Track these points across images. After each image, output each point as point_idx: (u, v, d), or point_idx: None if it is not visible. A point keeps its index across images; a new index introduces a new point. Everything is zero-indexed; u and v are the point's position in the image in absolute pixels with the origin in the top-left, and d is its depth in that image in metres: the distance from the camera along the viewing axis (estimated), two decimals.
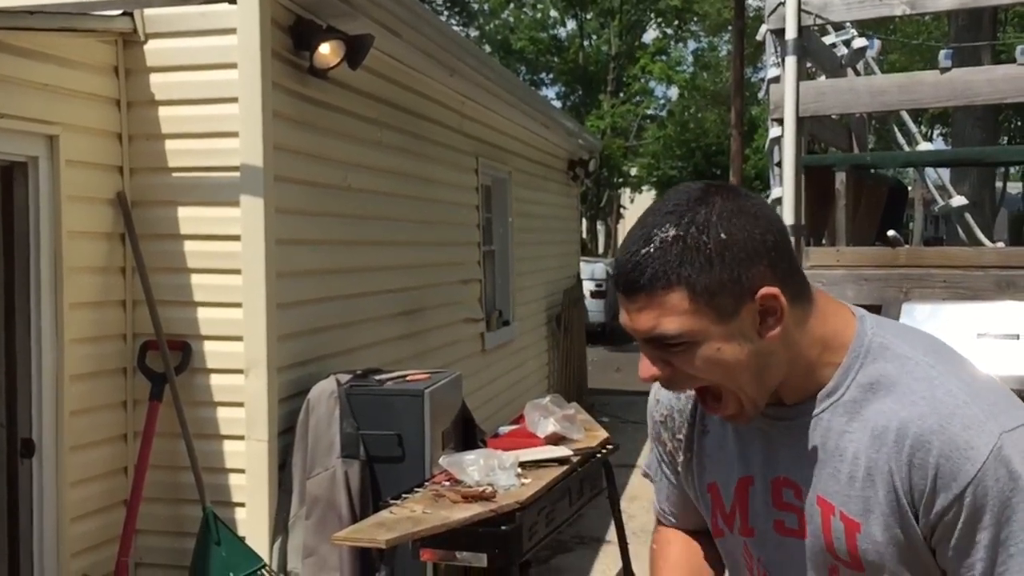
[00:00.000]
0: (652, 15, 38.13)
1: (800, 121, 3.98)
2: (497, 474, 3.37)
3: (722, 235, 1.04)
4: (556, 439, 3.92)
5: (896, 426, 1.09)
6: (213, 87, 3.95)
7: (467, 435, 4.50)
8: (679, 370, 1.10)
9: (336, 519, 3.79)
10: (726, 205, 1.06)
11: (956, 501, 1.05)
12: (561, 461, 3.71)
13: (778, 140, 4.24)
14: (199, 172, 4.00)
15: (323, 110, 4.50)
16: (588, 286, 15.43)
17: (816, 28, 4.53)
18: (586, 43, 39.24)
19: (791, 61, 3.93)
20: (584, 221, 32.55)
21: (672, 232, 1.06)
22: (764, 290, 1.05)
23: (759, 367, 1.08)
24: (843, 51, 5.54)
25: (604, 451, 4.06)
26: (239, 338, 3.92)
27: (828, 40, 5.51)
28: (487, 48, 32.46)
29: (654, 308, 1.06)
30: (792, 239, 1.35)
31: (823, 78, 4.99)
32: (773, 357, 1.09)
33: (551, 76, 39.46)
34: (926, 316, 3.33)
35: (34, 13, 3.50)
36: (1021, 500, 1.04)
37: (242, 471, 3.95)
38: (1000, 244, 6.02)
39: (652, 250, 1.06)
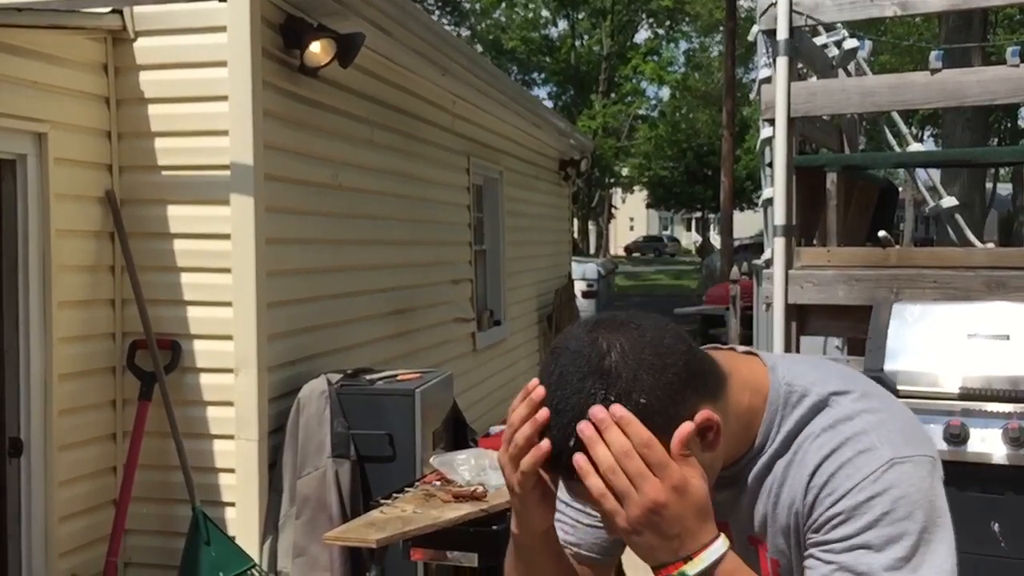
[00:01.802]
0: (644, 15, 38.21)
1: (791, 122, 3.98)
2: (488, 474, 3.37)
3: (642, 400, 1.00)
4: None
5: (811, 469, 1.10)
6: (203, 85, 3.94)
7: (458, 435, 4.50)
8: None
9: (326, 519, 3.78)
10: (627, 360, 1.01)
11: (827, 510, 1.06)
12: None
13: (769, 141, 4.24)
14: (189, 170, 3.98)
15: (314, 109, 4.49)
16: (579, 286, 15.44)
17: (807, 29, 4.54)
18: (578, 43, 39.29)
19: (782, 62, 3.93)
20: (575, 221, 32.57)
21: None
22: (697, 419, 1.03)
23: (709, 469, 1.07)
24: (834, 52, 5.55)
25: None
26: (229, 337, 3.91)
27: (819, 41, 5.52)
28: (479, 47, 32.43)
29: None
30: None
31: (814, 79, 4.99)
32: (718, 458, 1.10)
33: (543, 76, 39.50)
34: (916, 316, 3.33)
35: (22, 10, 3.48)
36: (870, 514, 1.04)
37: (232, 471, 3.94)
38: (990, 244, 6.04)
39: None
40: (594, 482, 0.99)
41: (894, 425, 1.10)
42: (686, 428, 1.01)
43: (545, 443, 1.02)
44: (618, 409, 0.99)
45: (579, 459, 0.99)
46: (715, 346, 1.22)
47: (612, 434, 0.99)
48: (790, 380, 1.14)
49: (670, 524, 0.99)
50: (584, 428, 0.99)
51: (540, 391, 1.03)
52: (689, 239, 64.91)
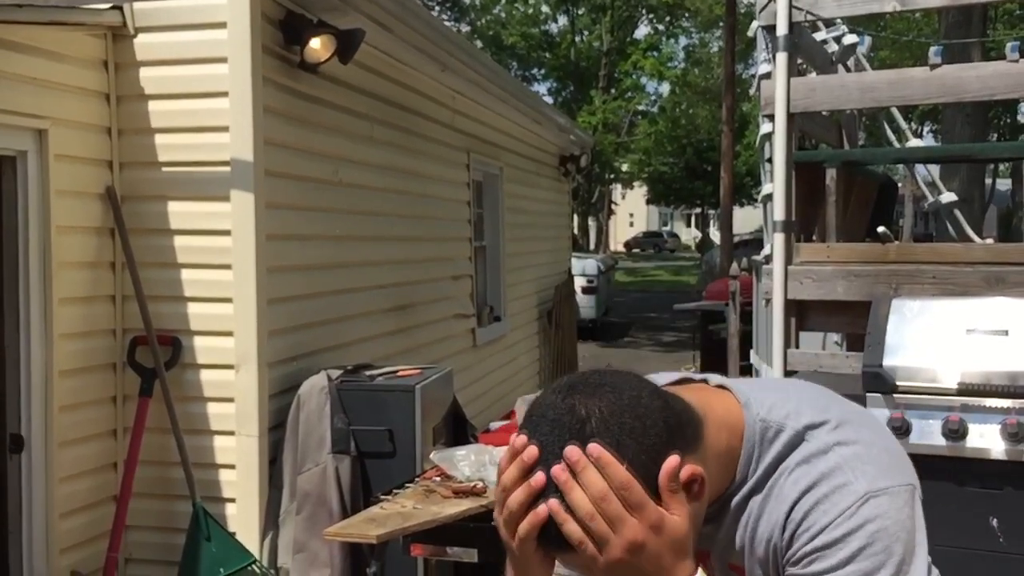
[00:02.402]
0: (643, 11, 38.15)
1: (791, 117, 3.98)
2: (488, 469, 3.37)
3: (625, 466, 0.98)
4: None
5: (789, 505, 1.11)
6: (203, 81, 3.94)
7: (458, 430, 4.50)
8: None
9: (327, 514, 3.79)
10: (608, 427, 0.99)
11: (804, 545, 1.07)
12: None
13: (769, 136, 4.24)
14: (189, 167, 3.99)
15: (314, 105, 4.49)
16: (579, 282, 15.44)
17: (807, 24, 4.54)
18: (578, 39, 39.24)
19: (782, 57, 3.93)
20: (575, 217, 32.57)
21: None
22: (683, 476, 1.02)
23: (696, 517, 1.07)
24: (834, 48, 5.55)
25: None
26: (229, 333, 3.91)
27: (819, 36, 5.52)
28: (479, 43, 32.40)
29: None
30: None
31: (814, 74, 4.99)
32: (704, 504, 1.10)
33: (543, 72, 39.46)
34: (915, 312, 3.34)
35: (23, 6, 3.48)
36: (847, 549, 1.05)
37: (232, 466, 3.95)
38: (989, 240, 6.04)
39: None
40: (572, 528, 0.97)
41: (869, 456, 1.11)
42: (672, 462, 1.00)
43: (543, 509, 0.98)
44: (595, 449, 0.97)
45: (554, 505, 0.97)
46: (687, 377, 1.22)
47: (589, 476, 0.97)
48: (764, 416, 1.14)
49: (647, 561, 0.98)
50: (558, 473, 0.97)
51: (532, 451, 0.99)
52: (689, 235, 64.89)
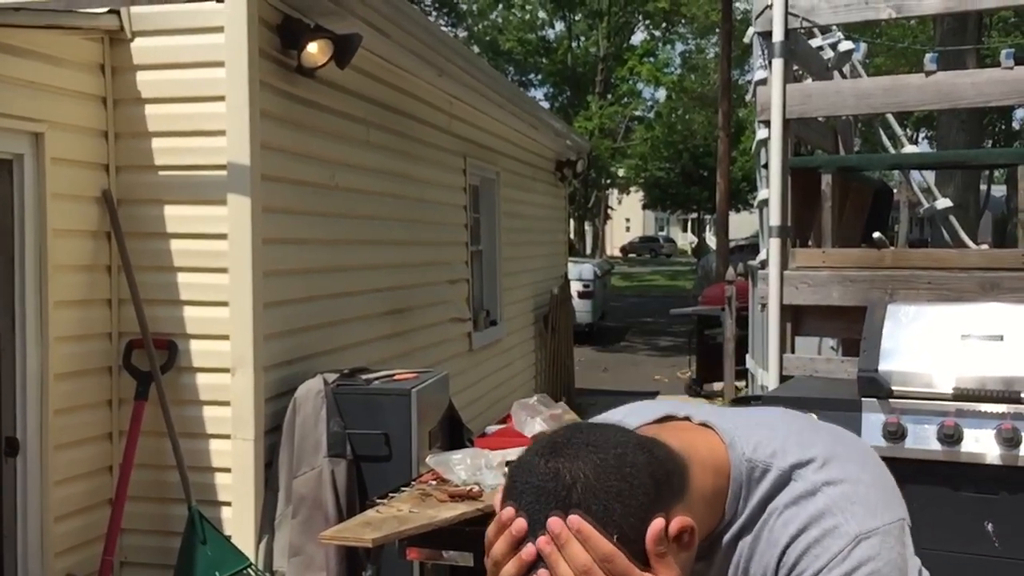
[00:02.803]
0: (640, 17, 38.20)
1: (787, 123, 4.00)
2: (484, 473, 3.37)
3: (615, 534, 0.98)
4: None
5: (781, 548, 1.11)
6: (200, 85, 3.94)
7: (454, 434, 4.50)
8: None
9: (322, 518, 3.79)
10: (594, 492, 0.98)
11: None
12: None
13: (765, 142, 4.26)
14: (186, 170, 3.99)
15: (311, 109, 4.49)
16: (575, 286, 15.46)
17: (803, 31, 4.56)
18: (574, 44, 39.31)
19: (778, 64, 3.95)
20: (572, 222, 32.59)
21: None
22: (672, 529, 1.02)
23: (687, 565, 1.07)
24: (829, 54, 5.57)
25: None
26: (225, 337, 3.91)
27: (815, 43, 5.54)
28: (475, 49, 32.43)
29: None
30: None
31: (810, 81, 5.01)
32: (694, 550, 1.09)
33: (539, 77, 39.51)
34: (911, 317, 3.35)
35: (20, 9, 3.49)
36: None
37: (228, 470, 3.94)
38: (984, 246, 6.05)
39: None
40: None
41: (857, 494, 1.12)
42: (657, 526, 1.00)
43: None
44: (575, 521, 0.97)
45: None
46: (670, 414, 1.21)
47: (572, 549, 0.96)
48: (750, 456, 1.14)
49: None
50: (543, 546, 0.97)
51: (520, 524, 0.99)
52: (685, 240, 64.94)
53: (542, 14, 38.65)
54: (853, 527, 1.08)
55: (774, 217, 4.00)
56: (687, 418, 1.20)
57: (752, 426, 1.19)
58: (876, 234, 4.09)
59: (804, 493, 1.12)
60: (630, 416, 1.24)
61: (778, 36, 3.95)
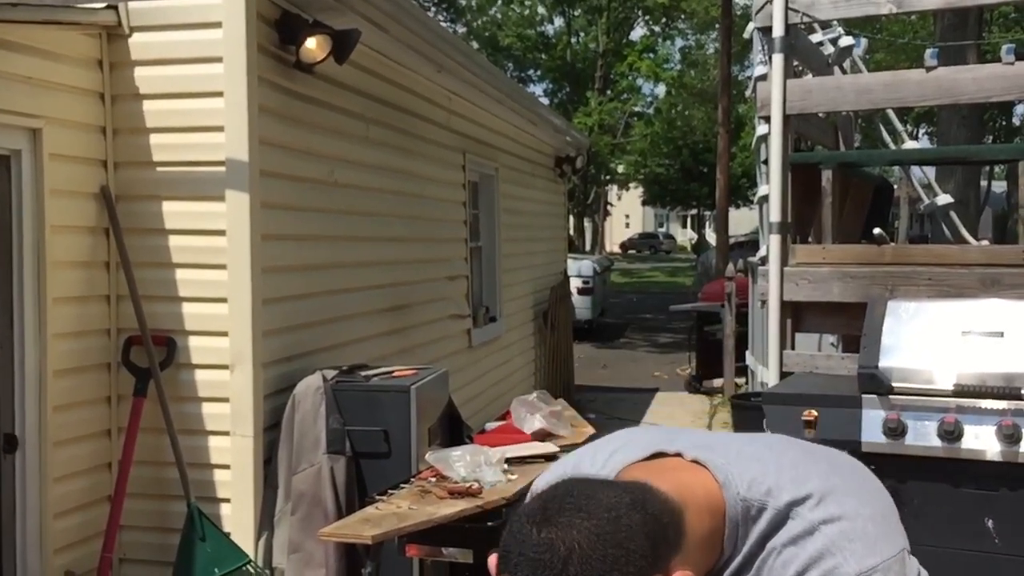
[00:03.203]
0: (640, 12, 38.17)
1: (787, 119, 3.99)
2: (483, 470, 3.37)
3: None
4: (542, 435, 3.92)
5: None
6: (198, 81, 3.93)
7: (453, 431, 4.50)
8: None
9: (322, 515, 3.78)
10: (591, 564, 0.96)
11: None
12: (547, 457, 3.71)
13: (765, 138, 4.25)
14: (184, 167, 3.98)
15: (309, 105, 4.48)
16: (575, 283, 15.46)
17: (803, 26, 4.54)
18: (574, 40, 39.27)
19: (778, 59, 3.94)
20: (571, 218, 32.58)
21: None
22: None
23: None
24: (830, 49, 5.56)
25: None
26: (224, 333, 3.90)
27: (815, 38, 5.52)
28: (475, 44, 32.40)
29: None
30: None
31: (810, 76, 5.00)
32: None
33: (539, 73, 39.49)
34: (911, 314, 3.34)
35: (17, 5, 3.47)
36: None
37: (227, 467, 3.94)
38: (985, 242, 6.05)
39: None
40: None
41: (855, 531, 1.11)
42: None
43: None
44: None
45: None
46: (661, 451, 1.20)
47: None
48: (745, 494, 1.14)
49: None
50: None
51: None
52: (685, 236, 64.96)
53: (541, 10, 38.61)
54: (852, 567, 1.08)
55: (774, 213, 4.00)
56: (678, 454, 1.19)
57: (745, 460, 1.17)
58: (876, 230, 4.09)
59: (802, 532, 1.11)
60: (624, 449, 1.23)
61: (778, 31, 3.94)
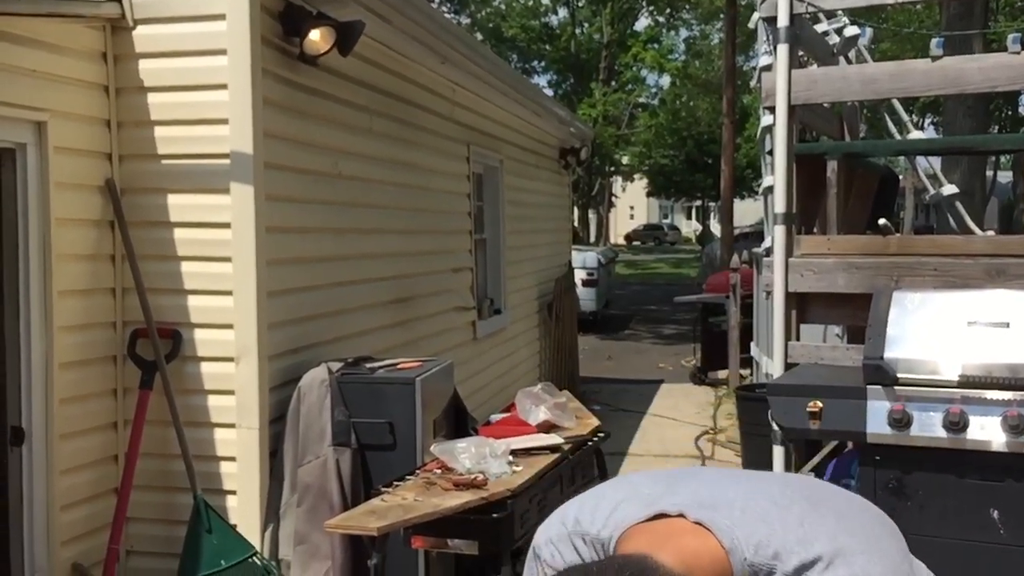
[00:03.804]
0: (644, 3, 38.04)
1: (792, 109, 3.97)
2: (488, 462, 3.37)
3: None
4: (547, 427, 3.93)
5: None
6: (202, 73, 3.93)
7: (458, 423, 4.50)
8: None
9: (327, 507, 3.79)
10: None
11: None
12: (552, 449, 3.71)
13: (770, 128, 4.24)
14: (189, 159, 3.98)
15: (313, 97, 4.48)
16: (579, 274, 15.43)
17: (808, 16, 4.52)
18: (578, 31, 39.17)
19: (783, 49, 3.92)
20: (576, 209, 32.54)
21: None
22: None
23: None
24: (835, 39, 5.53)
25: (595, 439, 4.07)
26: (229, 326, 3.91)
27: (820, 28, 5.50)
28: (478, 36, 32.32)
29: None
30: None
31: (815, 66, 4.98)
32: None
33: (543, 64, 39.40)
34: (916, 304, 3.33)
35: None
36: None
37: (233, 459, 3.95)
38: (990, 232, 6.03)
39: None
40: None
41: None
42: None
43: None
44: None
45: None
46: (662, 512, 1.19)
47: None
48: (752, 559, 1.13)
49: None
50: None
51: None
52: (689, 227, 64.87)
53: (545, 0, 38.51)
54: None
55: (779, 204, 3.99)
56: (681, 515, 1.18)
57: (750, 521, 1.16)
58: (882, 221, 4.07)
59: None
60: (626, 505, 1.22)
61: (783, 21, 3.92)
